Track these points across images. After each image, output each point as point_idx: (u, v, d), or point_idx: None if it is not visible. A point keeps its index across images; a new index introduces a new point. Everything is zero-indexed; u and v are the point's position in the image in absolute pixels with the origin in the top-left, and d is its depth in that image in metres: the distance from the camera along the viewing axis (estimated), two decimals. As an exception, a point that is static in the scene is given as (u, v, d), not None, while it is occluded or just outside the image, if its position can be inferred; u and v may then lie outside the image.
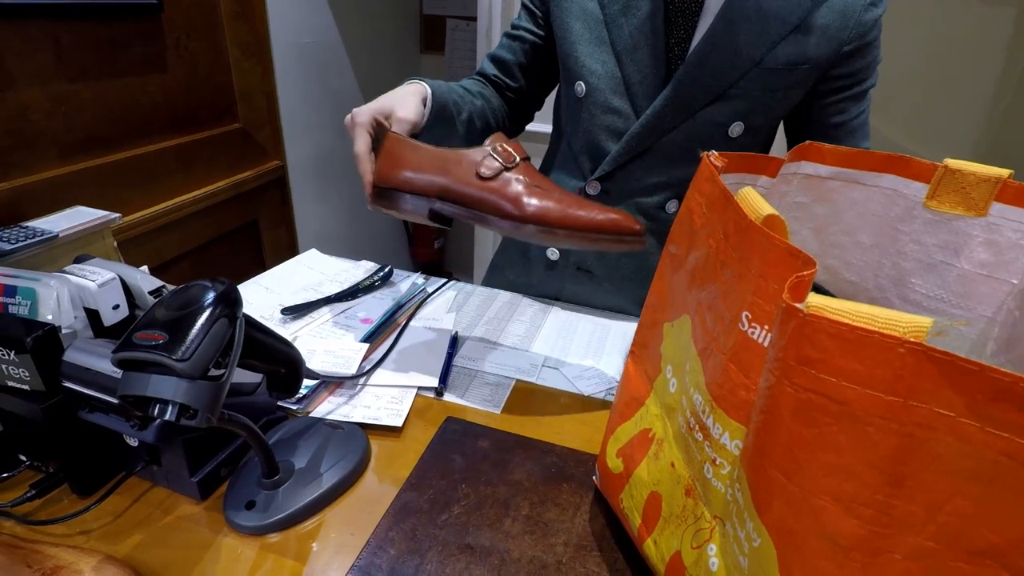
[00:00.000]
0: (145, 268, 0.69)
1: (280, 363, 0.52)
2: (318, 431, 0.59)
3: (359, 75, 2.01)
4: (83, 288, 0.54)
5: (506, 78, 0.88)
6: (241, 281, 0.89)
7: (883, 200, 0.46)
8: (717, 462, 0.33)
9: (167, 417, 0.38)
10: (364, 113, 0.64)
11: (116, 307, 0.56)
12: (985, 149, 1.65)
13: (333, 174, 1.99)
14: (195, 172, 1.48)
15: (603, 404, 0.68)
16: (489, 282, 1.00)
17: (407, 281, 0.88)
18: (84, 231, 0.99)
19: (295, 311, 0.77)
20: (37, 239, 0.94)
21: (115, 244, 1.07)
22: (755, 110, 0.74)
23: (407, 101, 0.68)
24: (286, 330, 0.75)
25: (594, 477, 0.56)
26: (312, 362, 0.67)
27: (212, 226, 1.56)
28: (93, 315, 0.55)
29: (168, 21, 1.31)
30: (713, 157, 0.39)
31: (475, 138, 0.78)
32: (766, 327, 0.29)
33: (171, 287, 0.60)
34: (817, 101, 0.76)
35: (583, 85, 0.80)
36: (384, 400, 0.66)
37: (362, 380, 0.68)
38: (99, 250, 1.02)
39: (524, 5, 0.86)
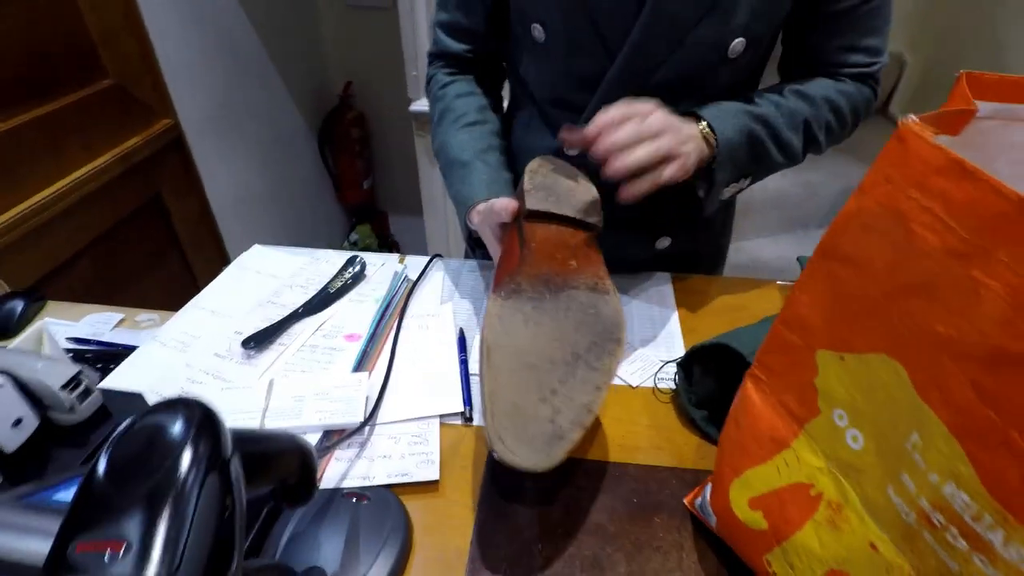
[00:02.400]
0: (47, 349, 0.50)
1: (289, 473, 0.38)
2: (340, 511, 0.46)
3: (244, 3, 1.67)
4: (-39, 412, 0.36)
5: (475, 46, 0.73)
6: (174, 302, 0.71)
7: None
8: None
9: None
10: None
11: (17, 422, 0.39)
12: None
13: (235, 124, 1.69)
14: (69, 148, 1.19)
15: (646, 394, 0.58)
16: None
17: (383, 270, 0.72)
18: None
19: (258, 340, 0.61)
20: None
21: (-14, 270, 0.84)
22: (757, 14, 0.59)
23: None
24: (252, 368, 0.59)
25: (695, 504, 0.47)
26: (304, 414, 0.53)
27: (108, 210, 1.29)
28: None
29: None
30: (915, 125, 0.27)
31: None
32: None
33: (88, 373, 0.43)
34: None
35: (540, 28, 0.64)
36: (405, 443, 0.53)
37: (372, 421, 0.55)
38: (-35, 285, 0.80)
39: None
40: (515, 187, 0.67)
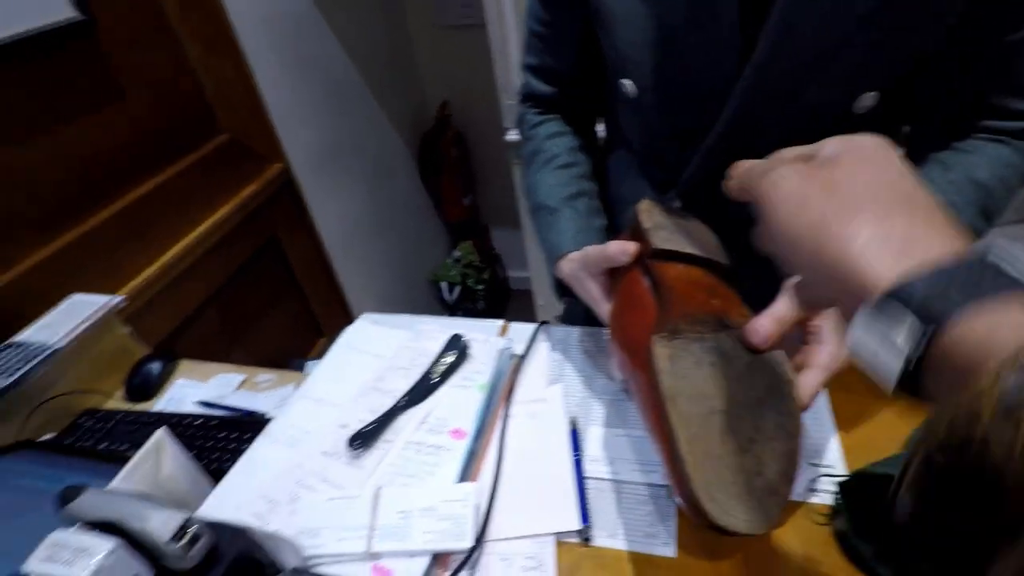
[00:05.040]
0: (167, 464, 0.51)
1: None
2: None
3: (339, 35, 1.70)
4: (73, 590, 0.36)
5: (564, 89, 0.69)
6: (295, 341, 0.72)
7: None
8: None
9: None
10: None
11: (130, 585, 0.38)
12: None
13: (339, 158, 1.74)
14: (194, 204, 1.27)
15: (795, 510, 0.49)
16: (573, 312, 0.80)
17: (486, 347, 0.68)
18: (88, 329, 0.82)
19: (364, 438, 0.59)
20: (37, 360, 0.77)
21: (128, 331, 0.90)
22: (894, 61, 0.47)
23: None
24: (359, 470, 0.57)
25: None
26: (411, 535, 0.50)
27: (229, 259, 1.36)
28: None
29: (106, 35, 1.05)
30: None
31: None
32: None
33: (198, 520, 0.41)
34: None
35: (630, 83, 0.57)
36: (517, 567, 0.49)
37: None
38: (111, 343, 0.86)
39: None
40: (608, 234, 0.62)
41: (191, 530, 0.41)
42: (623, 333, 0.51)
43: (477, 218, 2.49)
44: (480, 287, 2.40)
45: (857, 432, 0.54)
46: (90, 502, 0.43)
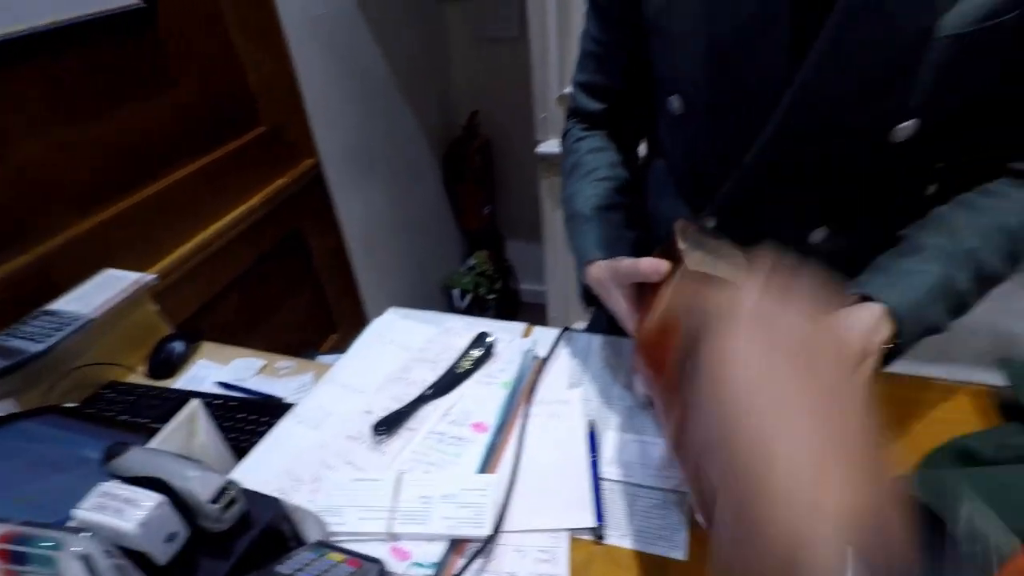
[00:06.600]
0: (201, 433, 0.53)
1: None
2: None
3: (380, 40, 1.75)
4: (121, 535, 0.38)
5: (613, 104, 0.71)
6: (309, 331, 0.74)
7: None
8: None
9: None
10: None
11: (171, 536, 0.40)
12: None
13: (368, 158, 1.78)
14: (228, 191, 1.31)
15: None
16: (597, 320, 0.82)
17: (511, 346, 0.70)
18: (119, 304, 0.84)
19: (388, 424, 0.61)
20: (69, 329, 0.79)
21: (156, 309, 0.93)
22: (936, 97, 0.48)
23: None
24: (382, 456, 0.59)
25: None
26: (431, 519, 0.51)
27: (254, 246, 1.40)
28: (139, 555, 0.40)
29: (164, 23, 1.09)
30: None
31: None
32: None
33: (236, 485, 0.43)
34: None
35: (679, 99, 0.59)
36: (531, 559, 0.50)
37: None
38: (139, 319, 0.88)
39: (591, 4, 0.66)
40: (642, 247, 0.63)
41: (230, 493, 0.43)
42: (649, 351, 0.52)
43: (495, 228, 2.51)
44: (492, 296, 2.42)
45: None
46: (136, 458, 0.45)
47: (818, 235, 0.60)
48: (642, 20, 0.59)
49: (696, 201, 0.65)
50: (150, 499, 0.39)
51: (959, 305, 0.50)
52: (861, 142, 0.52)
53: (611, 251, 0.61)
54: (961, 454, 0.51)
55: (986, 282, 0.51)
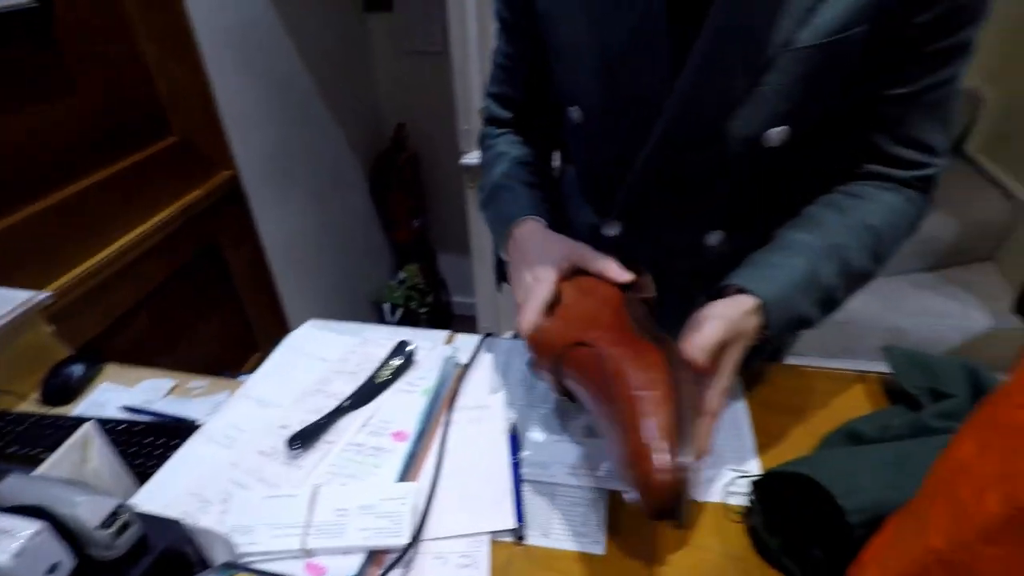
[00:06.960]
0: (95, 458, 0.49)
1: None
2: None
3: (301, 51, 1.71)
4: (-4, 566, 0.35)
5: (520, 114, 0.74)
6: (229, 352, 0.71)
7: None
8: None
9: None
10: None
11: (53, 568, 0.37)
12: None
13: (290, 170, 1.73)
14: (136, 204, 1.24)
15: (716, 511, 0.53)
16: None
17: (432, 354, 0.69)
18: (6, 325, 0.78)
19: (304, 438, 0.59)
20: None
21: (51, 330, 0.86)
22: (801, 105, 0.53)
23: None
24: (298, 470, 0.57)
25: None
26: (347, 532, 0.50)
27: (165, 262, 1.32)
28: (23, 586, 0.36)
29: (62, 27, 1.03)
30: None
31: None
32: None
33: (129, 508, 0.41)
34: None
35: (578, 110, 0.63)
36: (452, 565, 0.50)
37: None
38: (31, 341, 0.82)
39: (500, 22, 0.68)
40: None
41: (122, 517, 0.40)
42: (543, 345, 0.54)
43: (425, 241, 2.50)
44: (423, 310, 2.40)
45: (773, 442, 0.59)
46: (14, 485, 0.41)
47: (714, 238, 0.63)
48: (541, 34, 0.62)
49: (602, 207, 0.67)
50: (27, 527, 0.36)
51: (827, 299, 0.54)
52: (738, 148, 0.55)
53: (540, 215, 0.63)
54: (851, 435, 0.55)
55: (852, 278, 0.55)
